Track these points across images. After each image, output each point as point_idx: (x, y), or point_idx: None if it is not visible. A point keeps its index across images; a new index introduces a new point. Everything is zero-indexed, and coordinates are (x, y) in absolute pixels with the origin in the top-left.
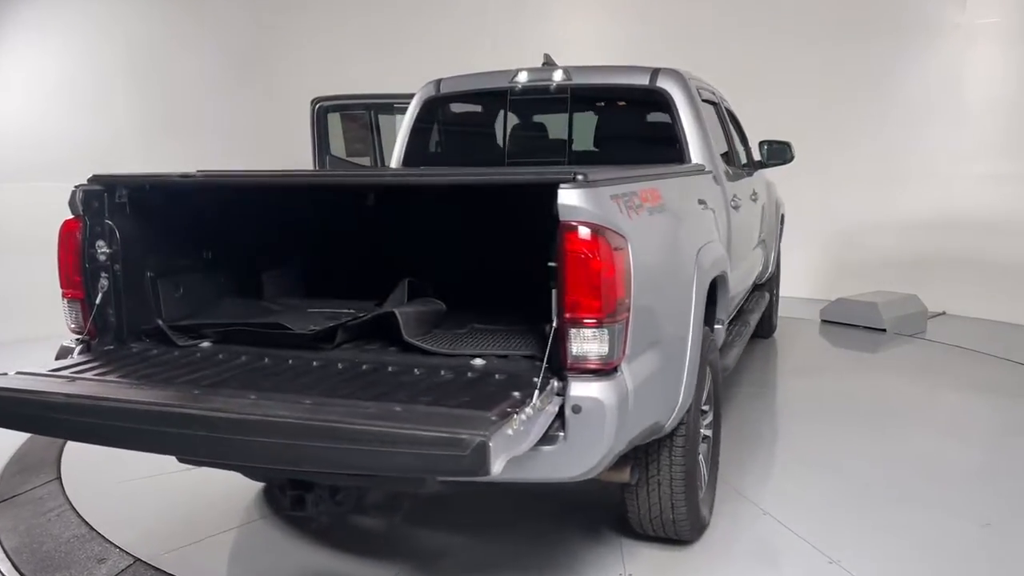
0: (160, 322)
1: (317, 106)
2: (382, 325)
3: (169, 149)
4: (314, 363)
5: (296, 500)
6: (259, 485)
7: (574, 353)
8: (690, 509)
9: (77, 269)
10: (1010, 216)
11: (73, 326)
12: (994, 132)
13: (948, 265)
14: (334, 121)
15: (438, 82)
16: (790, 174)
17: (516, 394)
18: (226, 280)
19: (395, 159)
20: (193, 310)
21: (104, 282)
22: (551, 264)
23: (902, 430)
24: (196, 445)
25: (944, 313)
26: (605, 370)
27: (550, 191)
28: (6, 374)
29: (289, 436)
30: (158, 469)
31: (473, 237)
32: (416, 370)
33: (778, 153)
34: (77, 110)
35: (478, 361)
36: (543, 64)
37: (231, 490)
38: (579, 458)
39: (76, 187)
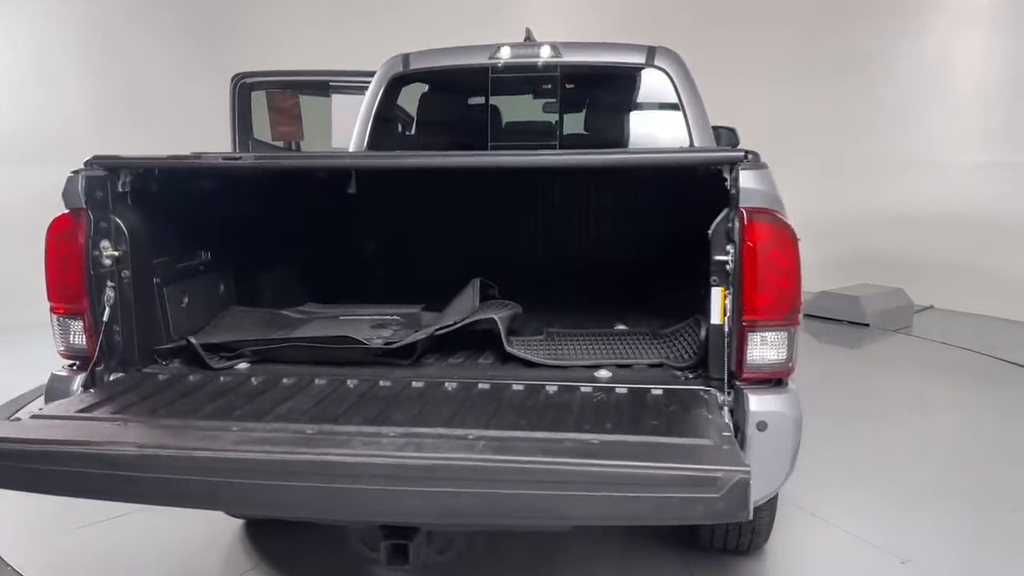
0: (192, 341)
1: (238, 83)
2: (463, 334)
3: (129, 135)
4: (413, 383)
5: (395, 551)
6: (237, 523)
7: (751, 361)
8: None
9: (78, 277)
10: (1002, 209)
11: (64, 350)
12: (987, 121)
13: (938, 258)
14: (259, 100)
15: (405, 57)
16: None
17: (707, 415)
18: (226, 285)
19: (355, 145)
20: (199, 322)
21: (110, 293)
22: (720, 257)
23: (906, 423)
24: (361, 502)
25: (932, 307)
26: (779, 380)
27: (715, 172)
28: (19, 419)
29: (511, 484)
30: (112, 512)
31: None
32: (548, 388)
33: (726, 140)
34: (24, 90)
35: (603, 373)
36: (524, 39)
37: (205, 531)
38: (761, 485)
39: (76, 172)
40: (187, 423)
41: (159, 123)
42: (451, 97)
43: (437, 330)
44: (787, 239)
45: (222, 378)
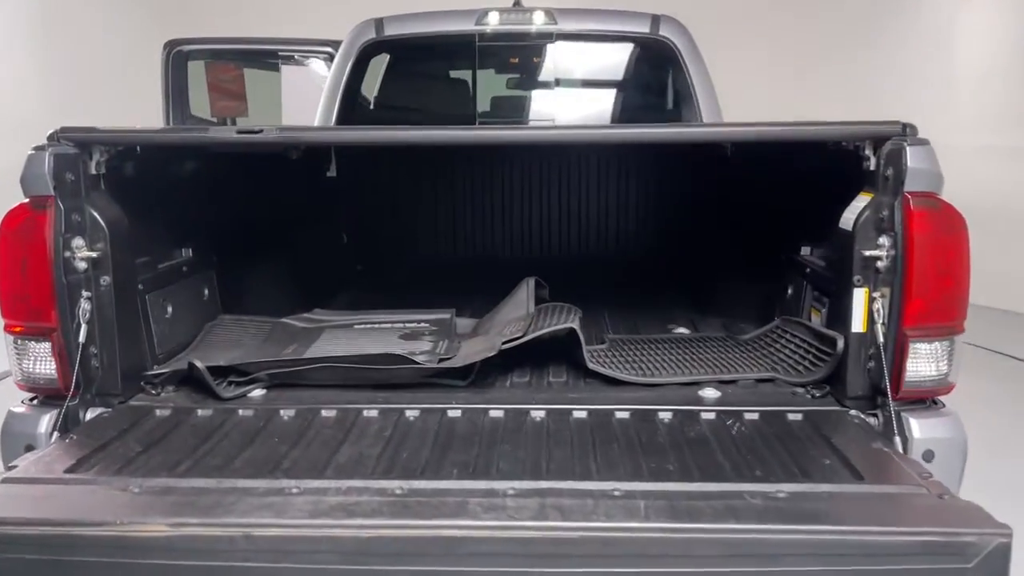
0: (197, 365)
1: (171, 51)
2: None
3: (85, 109)
4: (490, 412)
5: None
6: None
7: (912, 377)
8: None
9: (43, 286)
10: (1007, 192)
11: (23, 380)
12: (988, 103)
13: None
14: (197, 71)
15: (378, 22)
16: None
17: (881, 447)
18: (210, 289)
19: (320, 119)
20: (184, 337)
21: (86, 305)
22: (869, 253)
23: None
24: None
25: None
26: (937, 399)
27: (846, 151)
28: None
29: (711, 561)
30: None
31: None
32: (661, 415)
33: None
34: None
35: (709, 392)
36: (514, 4)
37: None
38: None
39: (40, 148)
40: (225, 482)
41: (115, 97)
42: (431, 67)
43: (506, 343)
44: (959, 229)
45: (240, 411)
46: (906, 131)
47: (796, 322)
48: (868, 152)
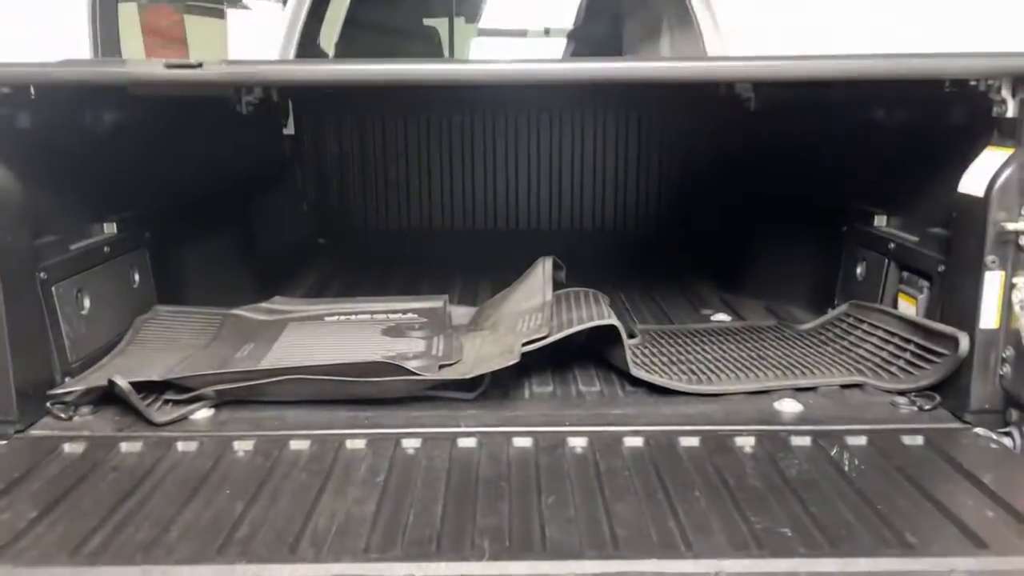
0: (118, 383)
1: None
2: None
3: None
4: (514, 441)
5: None
6: None
7: None
8: None
9: None
10: None
11: None
12: None
13: None
14: (129, 12)
15: None
16: None
17: None
18: (141, 273)
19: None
20: (110, 336)
21: None
22: (1013, 226)
23: None
24: None
25: None
26: None
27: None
28: None
29: None
30: None
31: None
32: (738, 441)
33: None
34: None
35: (788, 405)
36: None
37: None
38: None
39: None
40: (153, 572)
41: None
42: (400, 15)
43: (527, 345)
44: None
45: (179, 445)
46: None
47: (877, 310)
48: (1005, 94)
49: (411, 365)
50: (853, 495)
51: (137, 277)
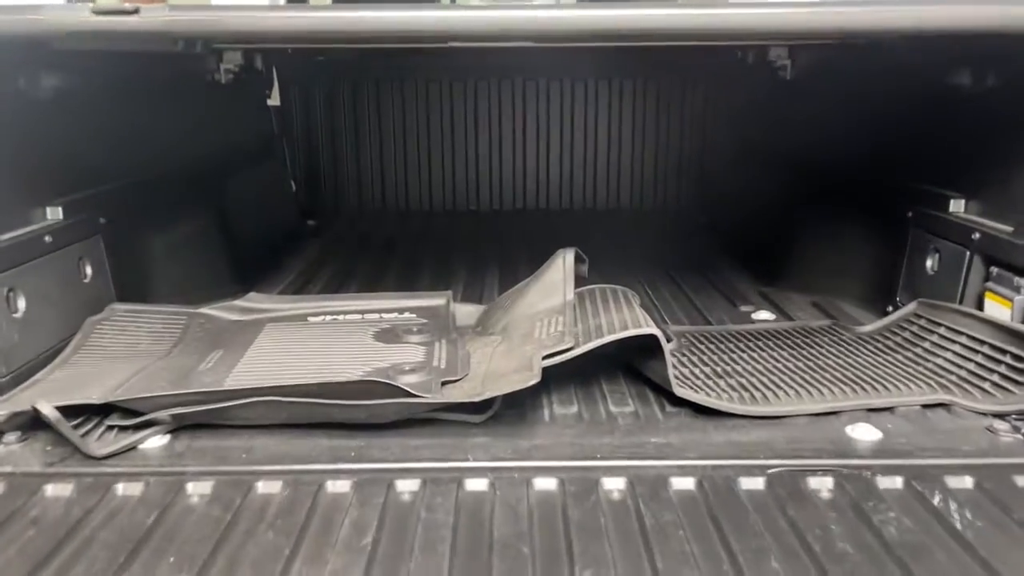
0: (45, 413)
1: None
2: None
3: None
4: (534, 482)
5: None
6: None
7: None
8: None
9: None
10: None
11: None
12: None
13: None
14: None
15: None
16: None
17: None
18: (93, 265)
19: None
20: (51, 342)
21: None
22: None
23: None
24: None
25: None
26: None
27: None
28: None
29: None
30: None
31: None
32: (812, 483)
33: None
34: None
35: (862, 431)
36: None
37: None
38: None
39: None
40: None
41: None
42: None
43: (549, 358)
44: None
45: (120, 487)
46: None
47: (956, 311)
48: None
49: (408, 383)
50: (979, 569)
51: (89, 270)
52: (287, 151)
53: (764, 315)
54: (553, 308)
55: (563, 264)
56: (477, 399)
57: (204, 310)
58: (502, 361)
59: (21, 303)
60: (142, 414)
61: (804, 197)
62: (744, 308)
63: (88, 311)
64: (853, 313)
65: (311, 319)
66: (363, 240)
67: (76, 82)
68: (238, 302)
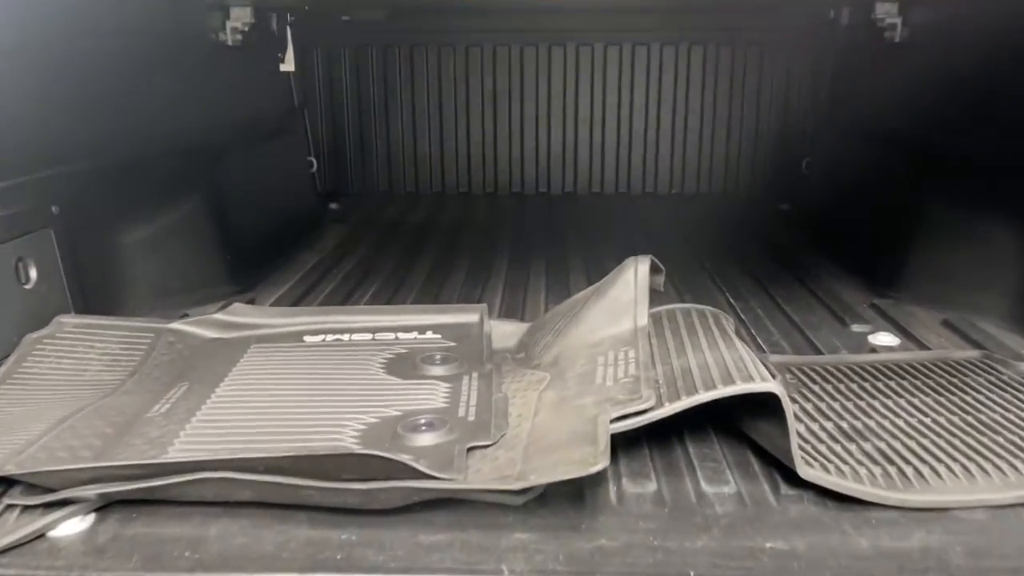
0: None
1: None
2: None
3: None
4: None
5: None
6: None
7: None
8: None
9: None
10: None
11: None
12: None
13: None
14: None
15: None
16: None
17: None
18: (39, 267)
19: None
20: None
21: None
22: None
23: None
24: None
25: None
26: None
27: None
28: None
29: None
30: None
31: None
32: None
33: None
34: None
35: None
36: None
37: None
38: None
39: None
40: None
41: None
42: None
43: (619, 421)
44: None
45: None
46: None
47: None
48: None
49: (422, 447)
50: None
51: (33, 273)
52: (308, 126)
53: (885, 339)
54: (620, 338)
55: (634, 278)
56: (516, 487)
57: (175, 325)
58: (552, 418)
59: None
60: (53, 489)
61: (926, 184)
62: (857, 328)
63: (31, 325)
64: (1003, 339)
65: (308, 338)
66: (391, 228)
67: (26, 31)
68: (219, 315)
